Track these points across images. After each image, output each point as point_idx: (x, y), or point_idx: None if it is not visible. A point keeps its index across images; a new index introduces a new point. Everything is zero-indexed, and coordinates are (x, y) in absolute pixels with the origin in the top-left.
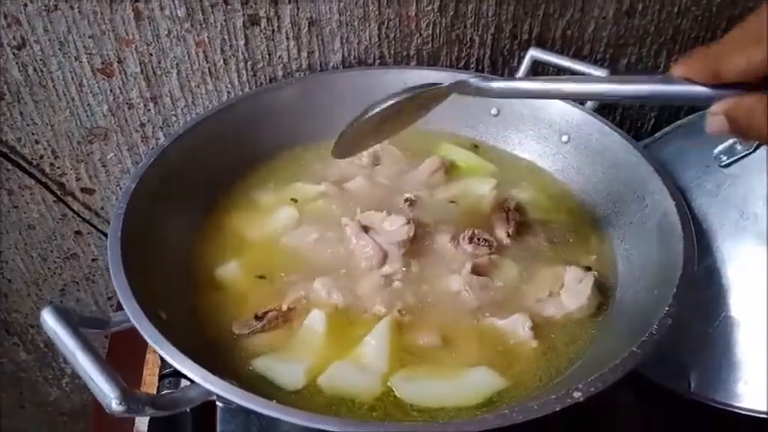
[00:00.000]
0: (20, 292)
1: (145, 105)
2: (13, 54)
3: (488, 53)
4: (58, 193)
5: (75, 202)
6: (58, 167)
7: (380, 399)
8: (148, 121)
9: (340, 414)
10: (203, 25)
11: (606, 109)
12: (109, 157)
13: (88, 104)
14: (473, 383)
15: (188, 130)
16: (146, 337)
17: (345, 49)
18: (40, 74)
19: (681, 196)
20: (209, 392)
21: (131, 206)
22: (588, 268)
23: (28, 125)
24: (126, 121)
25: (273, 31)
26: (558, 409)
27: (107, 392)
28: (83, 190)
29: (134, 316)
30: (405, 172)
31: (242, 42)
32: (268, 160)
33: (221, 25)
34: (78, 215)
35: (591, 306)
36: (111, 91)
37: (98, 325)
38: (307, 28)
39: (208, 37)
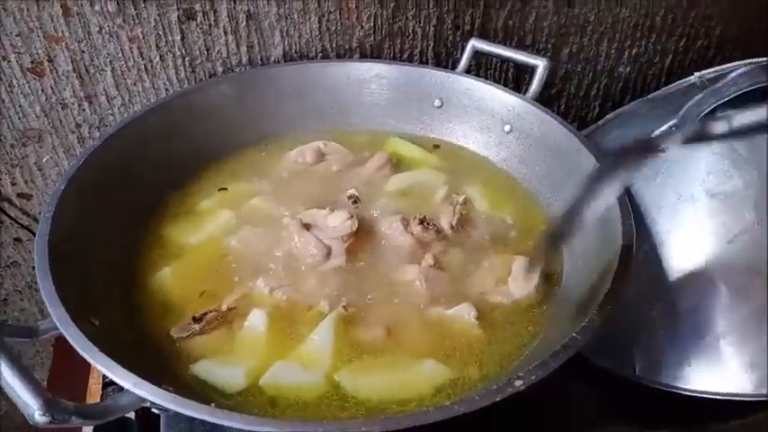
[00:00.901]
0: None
1: (79, 105)
2: None
3: (431, 44)
4: None
5: (13, 208)
6: None
7: (326, 396)
8: (84, 121)
9: (285, 414)
10: (136, 20)
11: (550, 97)
12: (45, 159)
13: (20, 106)
14: (419, 376)
15: (121, 129)
16: (73, 344)
17: (286, 42)
18: None
19: (622, 189)
20: (142, 399)
21: (61, 209)
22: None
23: None
24: (60, 121)
25: (210, 25)
26: (498, 399)
27: (29, 403)
28: (19, 195)
29: (61, 322)
30: (350, 168)
31: (178, 38)
32: (207, 160)
33: (155, 20)
34: (16, 221)
35: (538, 295)
36: (42, 91)
37: (25, 333)
38: (245, 22)
39: (142, 32)
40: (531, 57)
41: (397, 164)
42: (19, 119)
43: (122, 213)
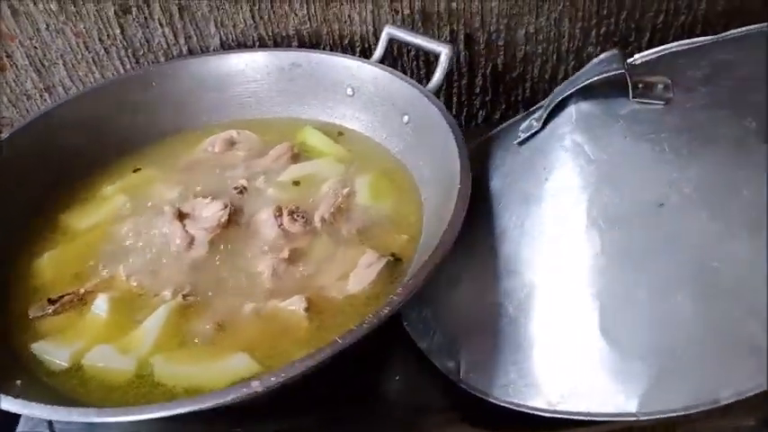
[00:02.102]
0: None
1: (41, 96)
2: None
3: (371, 30)
4: None
5: None
6: None
7: (133, 381)
8: None
9: (91, 395)
10: (77, 17)
11: (513, 81)
12: None
13: None
14: (226, 368)
15: (31, 122)
16: None
17: (222, 32)
18: None
19: (469, 177)
20: None
21: None
22: (392, 255)
23: None
24: (27, 111)
25: (146, 18)
26: (230, 398)
27: None
28: None
29: None
30: (253, 158)
31: (118, 31)
32: (123, 150)
33: (95, 15)
34: None
35: (373, 292)
36: (7, 84)
37: None
38: (178, 14)
39: (84, 28)
40: (434, 43)
41: (298, 154)
42: None
43: (22, 197)
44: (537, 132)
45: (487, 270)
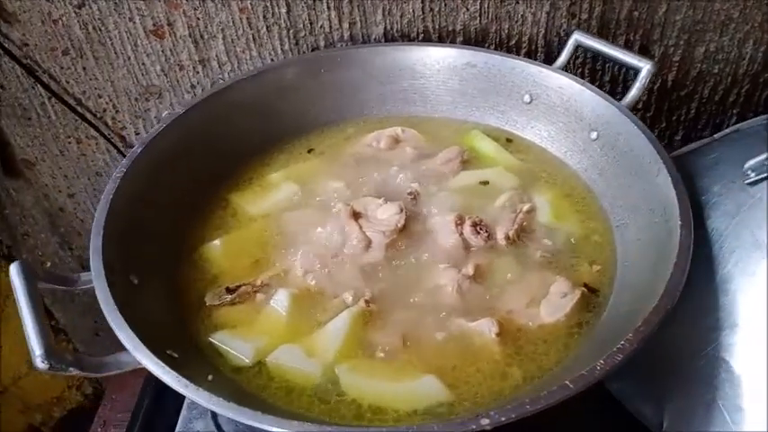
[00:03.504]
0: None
1: (194, 68)
2: (75, 12)
3: (542, 32)
4: (120, 145)
5: None
6: (119, 121)
7: (319, 387)
8: (198, 83)
9: (274, 396)
10: None
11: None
12: (164, 114)
13: (143, 63)
14: (416, 390)
15: (203, 101)
16: (98, 296)
17: (388, 21)
18: (99, 32)
19: (690, 220)
20: (138, 361)
21: (133, 171)
22: (585, 285)
23: (91, 80)
24: (178, 81)
25: (315, 0)
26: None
27: (33, 348)
28: None
29: (95, 276)
30: (420, 158)
31: (284, 10)
32: (287, 134)
33: None
34: None
35: (569, 322)
36: (162, 52)
37: (63, 282)
38: None
39: (251, 3)
40: (635, 58)
41: (469, 159)
42: (142, 75)
43: (191, 180)
44: None
45: (705, 318)
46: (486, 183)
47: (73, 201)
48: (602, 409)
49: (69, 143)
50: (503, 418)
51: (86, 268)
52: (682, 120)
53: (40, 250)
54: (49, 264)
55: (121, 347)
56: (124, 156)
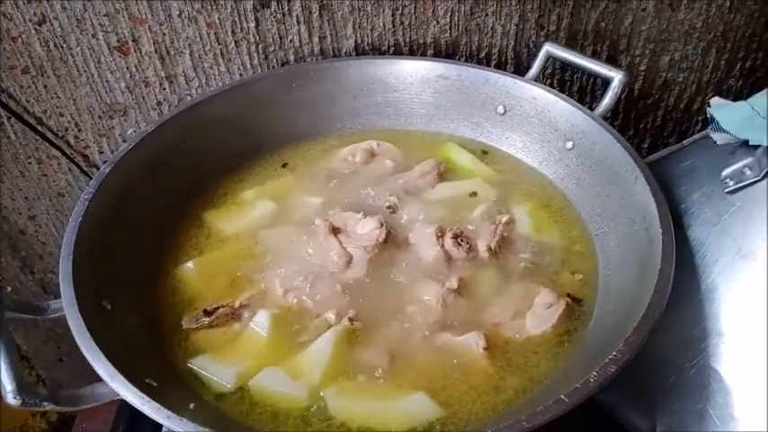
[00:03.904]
0: (53, 255)
1: (160, 84)
2: (35, 29)
3: (512, 44)
4: (83, 164)
5: None
6: (81, 140)
7: (305, 410)
8: (164, 99)
9: (259, 423)
10: (213, 6)
11: (645, 107)
12: (129, 132)
13: (107, 81)
14: (407, 409)
15: (173, 117)
16: (70, 325)
17: (358, 35)
18: (60, 49)
19: (671, 226)
20: (116, 392)
21: (102, 191)
22: (568, 295)
23: (52, 98)
24: (143, 98)
25: (284, 14)
26: None
27: (5, 384)
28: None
29: (67, 303)
30: (396, 172)
31: (252, 25)
32: (261, 150)
33: (231, 7)
34: None
35: (556, 333)
36: (127, 68)
37: (32, 311)
38: (318, 12)
39: (218, 18)
40: (605, 68)
41: (445, 171)
42: (106, 93)
43: (163, 199)
44: (756, 182)
45: (692, 328)
46: (474, 194)
47: (34, 223)
48: (590, 420)
49: (30, 164)
50: None
51: (48, 292)
52: (648, 128)
53: (0, 275)
54: (9, 288)
55: (91, 376)
56: (87, 175)
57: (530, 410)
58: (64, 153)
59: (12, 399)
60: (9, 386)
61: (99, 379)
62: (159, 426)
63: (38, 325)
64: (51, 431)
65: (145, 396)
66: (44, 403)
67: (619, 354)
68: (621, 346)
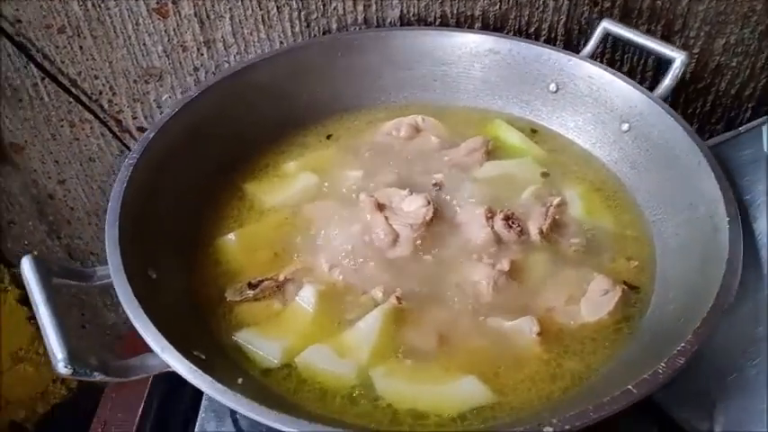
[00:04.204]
0: (81, 221)
1: (198, 49)
2: None
3: (563, 20)
4: (116, 129)
5: (132, 140)
6: (115, 104)
7: (353, 390)
8: (201, 65)
9: (307, 400)
10: None
11: (695, 92)
12: (164, 98)
13: (144, 44)
14: (457, 393)
15: (217, 83)
16: (118, 293)
17: (404, 4)
18: (98, 9)
19: (738, 214)
20: (167, 364)
21: (145, 156)
22: (625, 282)
23: (87, 60)
24: (180, 63)
25: None
26: None
27: (55, 353)
28: (139, 129)
29: (114, 271)
30: (443, 149)
31: None
32: (304, 120)
33: None
34: None
35: (611, 321)
36: (165, 32)
37: (79, 277)
38: None
39: None
40: (667, 48)
41: (493, 150)
42: (143, 56)
43: (204, 167)
44: None
45: (755, 326)
46: (512, 174)
47: (63, 187)
48: (640, 416)
49: (62, 126)
50: (567, 427)
51: (75, 258)
52: (697, 113)
53: (26, 239)
54: (36, 253)
55: (131, 345)
56: (120, 140)
57: (587, 400)
58: (97, 117)
59: (62, 368)
60: (60, 354)
61: (129, 348)
62: (196, 398)
63: (61, 291)
64: (72, 398)
65: (198, 369)
66: (94, 373)
67: (688, 345)
68: (690, 337)
